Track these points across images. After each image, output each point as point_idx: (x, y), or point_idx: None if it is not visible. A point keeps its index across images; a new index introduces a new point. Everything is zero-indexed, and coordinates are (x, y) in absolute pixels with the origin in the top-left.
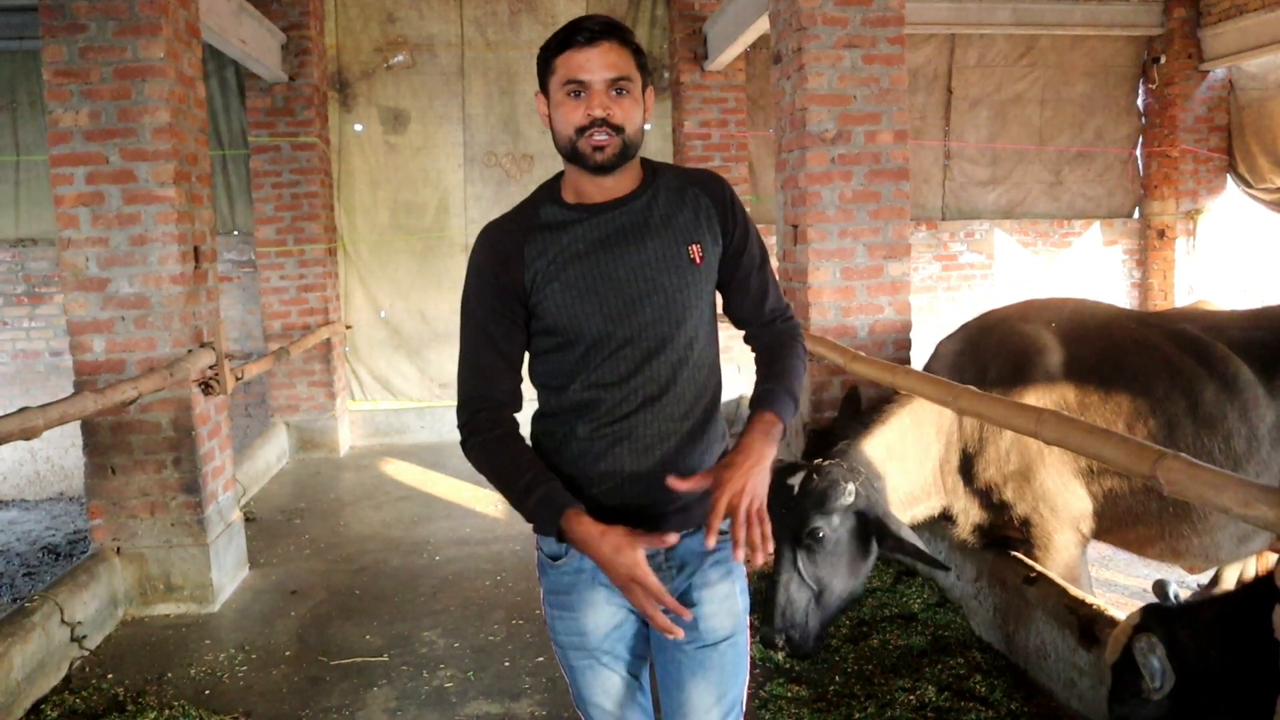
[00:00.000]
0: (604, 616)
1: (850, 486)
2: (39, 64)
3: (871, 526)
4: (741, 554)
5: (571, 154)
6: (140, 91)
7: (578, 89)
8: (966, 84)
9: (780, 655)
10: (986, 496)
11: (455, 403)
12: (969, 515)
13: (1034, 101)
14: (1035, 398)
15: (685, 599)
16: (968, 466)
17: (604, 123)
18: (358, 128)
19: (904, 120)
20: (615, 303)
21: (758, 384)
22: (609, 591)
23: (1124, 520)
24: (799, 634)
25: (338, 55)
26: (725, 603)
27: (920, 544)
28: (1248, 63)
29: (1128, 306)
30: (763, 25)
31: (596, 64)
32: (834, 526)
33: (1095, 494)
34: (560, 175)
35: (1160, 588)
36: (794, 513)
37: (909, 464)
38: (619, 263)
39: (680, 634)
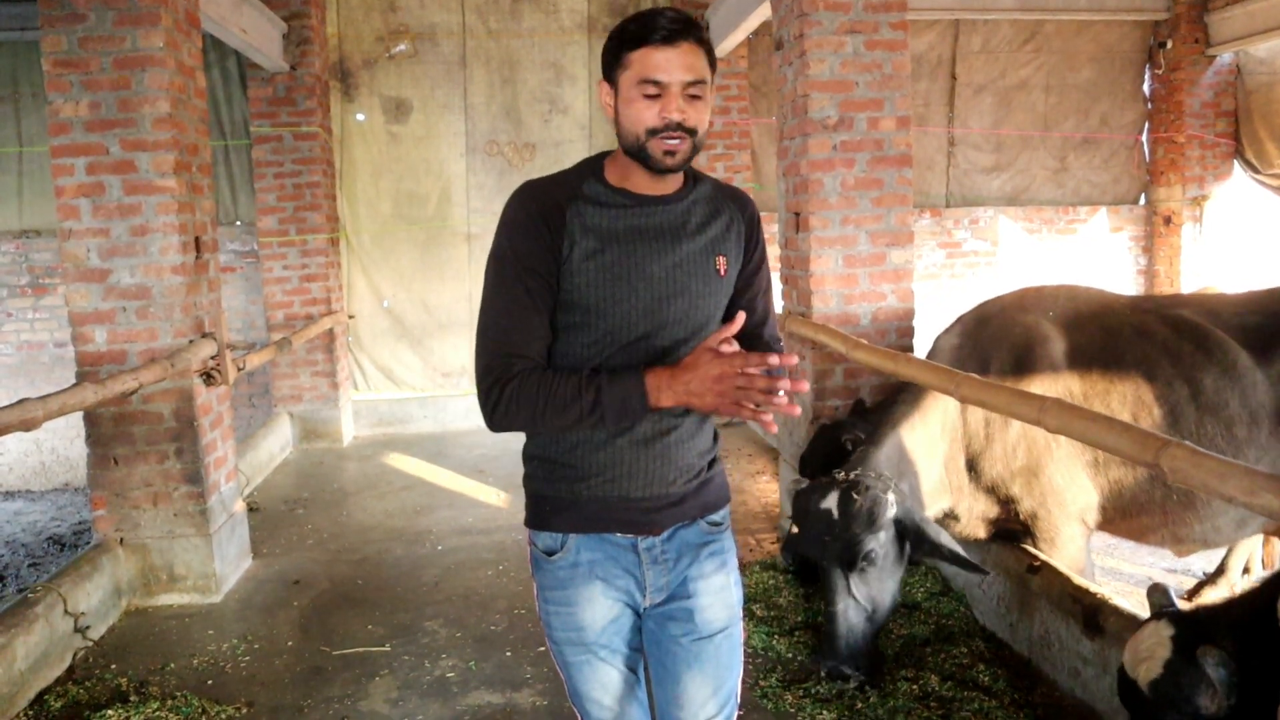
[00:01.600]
0: (601, 610)
1: (891, 497)
2: (41, 54)
3: (909, 533)
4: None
5: (638, 152)
6: (140, 81)
7: (654, 90)
8: (970, 70)
9: (851, 686)
10: (992, 493)
11: (458, 392)
12: (973, 512)
13: (1039, 87)
14: (1041, 388)
15: (681, 590)
16: (973, 463)
17: (679, 126)
18: (360, 117)
19: (906, 107)
20: (645, 296)
21: None
22: (605, 585)
23: (1128, 510)
24: (866, 662)
25: (339, 44)
26: (721, 594)
27: (958, 548)
28: (1255, 47)
29: (1135, 294)
30: (765, 11)
31: (676, 65)
32: (882, 543)
33: (1101, 486)
34: (602, 156)
35: (1161, 593)
36: (841, 537)
37: (920, 465)
38: (655, 258)
39: (796, 411)
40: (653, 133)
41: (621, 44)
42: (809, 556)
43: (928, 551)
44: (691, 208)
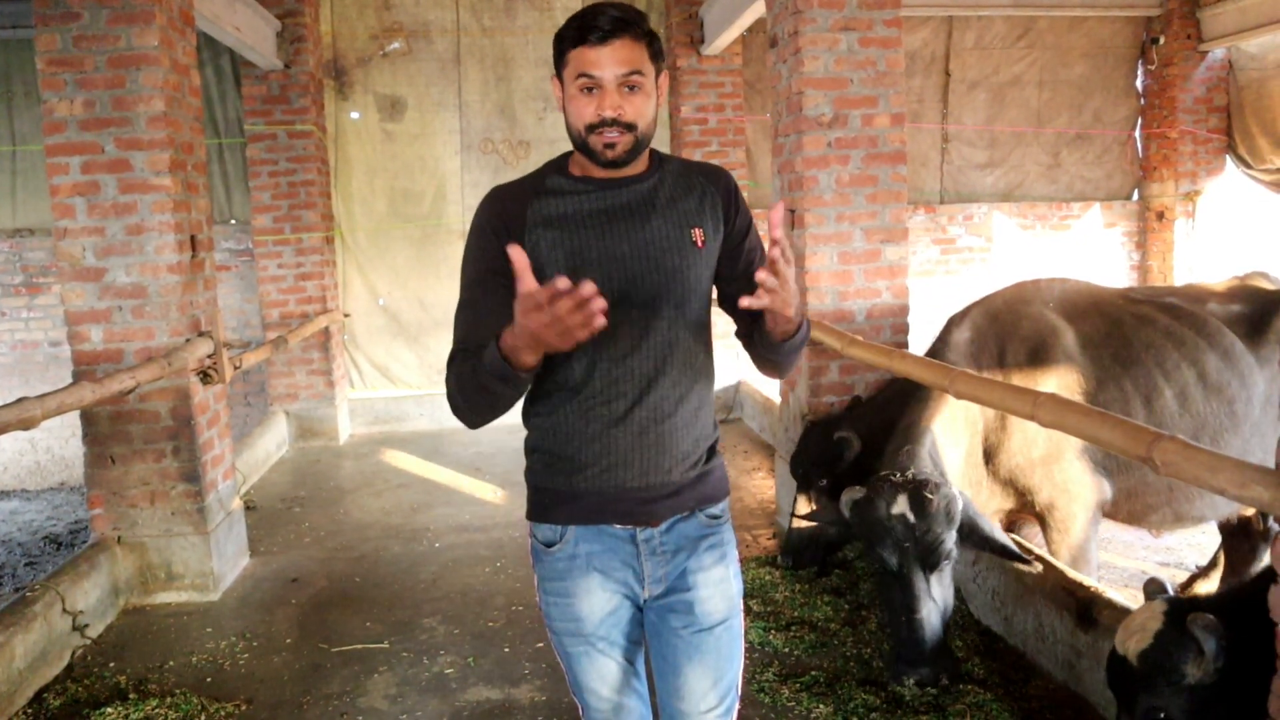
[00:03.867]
0: (599, 602)
1: (957, 491)
2: (34, 53)
3: (963, 528)
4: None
5: (582, 147)
6: (134, 80)
7: (589, 85)
8: (964, 66)
9: (943, 684)
10: (1008, 485)
11: None
12: (988, 506)
13: (1032, 83)
14: (1058, 376)
15: (681, 583)
16: (989, 455)
17: (615, 121)
18: (354, 115)
19: (901, 103)
20: (618, 278)
21: None
22: (603, 577)
23: (1134, 491)
24: (948, 662)
25: (333, 43)
26: (720, 586)
27: (1007, 540)
28: (1247, 43)
29: (1118, 286)
30: (759, 9)
31: (608, 61)
32: (955, 540)
33: (1111, 468)
34: (568, 154)
35: (1158, 586)
36: (923, 541)
37: (946, 460)
38: (623, 238)
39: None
40: (591, 128)
41: (563, 44)
42: (884, 564)
43: (976, 544)
44: (660, 184)
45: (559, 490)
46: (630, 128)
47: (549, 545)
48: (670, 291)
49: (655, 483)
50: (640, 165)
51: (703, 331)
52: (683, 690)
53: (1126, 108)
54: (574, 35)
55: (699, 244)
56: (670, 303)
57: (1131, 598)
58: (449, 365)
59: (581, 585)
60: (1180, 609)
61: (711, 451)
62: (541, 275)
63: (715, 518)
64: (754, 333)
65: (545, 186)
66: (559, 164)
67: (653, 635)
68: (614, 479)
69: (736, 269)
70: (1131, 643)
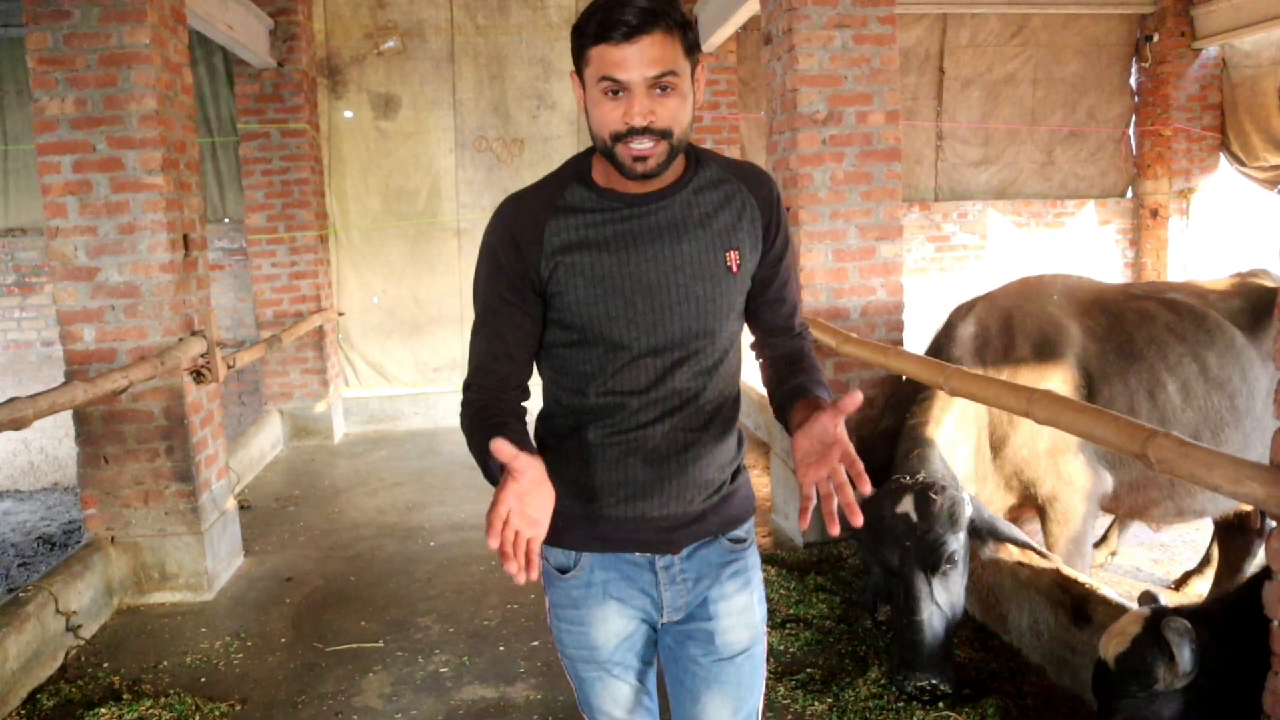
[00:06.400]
0: (615, 628)
1: (967, 495)
2: (25, 51)
3: (979, 532)
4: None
5: (609, 156)
6: (126, 78)
7: (615, 88)
8: (958, 64)
9: (941, 694)
10: (1013, 479)
11: (449, 388)
12: (992, 501)
13: (1026, 81)
14: (1062, 371)
15: (702, 611)
16: (995, 450)
17: (646, 130)
18: (348, 114)
19: (895, 101)
20: (643, 308)
21: (791, 378)
22: (620, 605)
23: (1136, 485)
24: (950, 669)
25: (327, 41)
26: (743, 615)
27: (1030, 541)
28: (1240, 40)
29: (1119, 282)
30: (753, 6)
31: (635, 62)
32: (962, 543)
33: (1112, 461)
34: (590, 153)
35: (1151, 599)
36: (924, 541)
37: (958, 458)
38: (650, 264)
39: (520, 579)
40: (617, 137)
41: (582, 39)
42: (885, 564)
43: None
44: (693, 198)
45: (574, 515)
46: (664, 135)
47: (563, 571)
48: (700, 322)
49: (676, 512)
50: (674, 172)
51: (733, 359)
52: (700, 718)
53: (1120, 105)
54: (595, 31)
55: (734, 269)
56: (700, 334)
57: (1127, 595)
58: (465, 392)
59: (597, 614)
60: (1164, 614)
61: (736, 473)
62: (561, 301)
63: (739, 541)
64: (779, 391)
65: (565, 202)
66: (580, 168)
67: (669, 660)
68: (633, 508)
69: (768, 290)
70: (1110, 646)
